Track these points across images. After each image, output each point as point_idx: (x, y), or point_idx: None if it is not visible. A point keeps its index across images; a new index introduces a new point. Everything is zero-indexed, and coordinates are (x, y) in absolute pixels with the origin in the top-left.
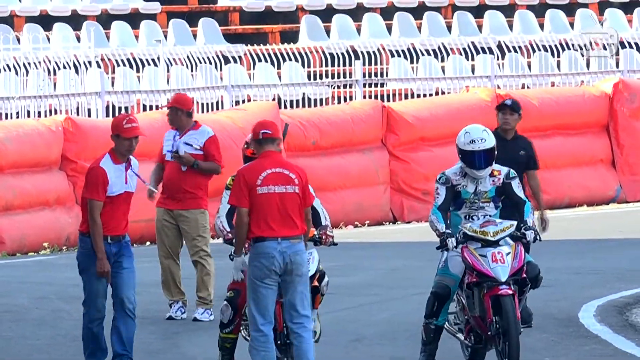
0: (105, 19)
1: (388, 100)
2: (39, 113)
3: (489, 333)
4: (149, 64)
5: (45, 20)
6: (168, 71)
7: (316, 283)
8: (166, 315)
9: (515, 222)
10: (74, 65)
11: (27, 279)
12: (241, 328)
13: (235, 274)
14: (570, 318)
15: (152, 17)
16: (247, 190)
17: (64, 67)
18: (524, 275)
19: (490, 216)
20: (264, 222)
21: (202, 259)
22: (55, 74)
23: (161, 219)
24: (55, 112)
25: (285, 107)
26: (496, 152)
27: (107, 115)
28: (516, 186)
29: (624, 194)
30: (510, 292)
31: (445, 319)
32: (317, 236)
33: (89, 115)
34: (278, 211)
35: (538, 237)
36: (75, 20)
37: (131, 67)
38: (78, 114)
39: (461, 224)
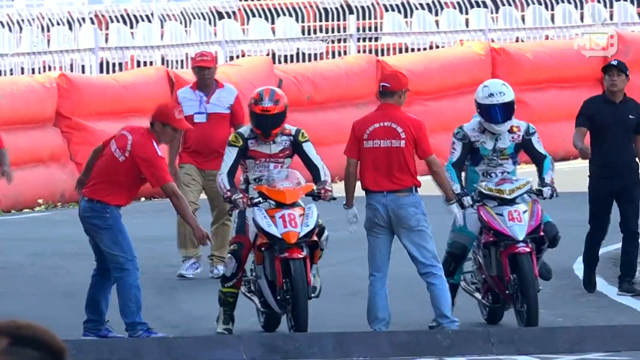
0: None
1: (382, 54)
2: (33, 70)
3: (507, 292)
4: (142, 20)
5: None
6: (162, 27)
7: (315, 238)
8: (177, 273)
9: (531, 179)
10: (68, 21)
11: (22, 235)
12: (242, 284)
13: (348, 226)
14: (565, 270)
15: None
16: (356, 142)
17: (58, 24)
18: (541, 233)
19: (508, 173)
20: (371, 175)
21: (229, 220)
22: (49, 30)
23: (191, 174)
24: (49, 69)
25: (280, 62)
26: (514, 108)
27: (101, 72)
28: (536, 141)
29: None
30: (528, 249)
31: (460, 277)
32: (315, 191)
33: (83, 72)
34: (383, 165)
35: (555, 194)
36: None
37: (125, 23)
38: (72, 71)
39: (476, 183)
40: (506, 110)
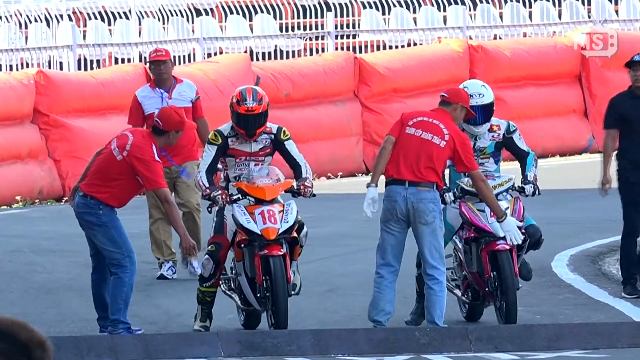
0: None
1: (360, 51)
2: (11, 66)
3: (487, 289)
4: (120, 17)
5: None
6: (140, 24)
7: (295, 234)
8: (157, 275)
9: (513, 176)
10: (46, 18)
11: None
12: (220, 282)
13: (366, 206)
14: (543, 268)
15: None
16: (400, 125)
17: (36, 21)
18: (523, 230)
19: (489, 172)
20: (397, 162)
21: (197, 211)
22: (26, 27)
23: None
24: (27, 66)
25: (257, 59)
26: (494, 109)
27: (79, 69)
28: (518, 139)
29: (596, 144)
30: (508, 247)
31: None
32: (295, 188)
33: (61, 69)
34: (415, 155)
35: (537, 191)
36: None
37: (102, 20)
38: (50, 68)
39: (459, 179)
40: (485, 112)
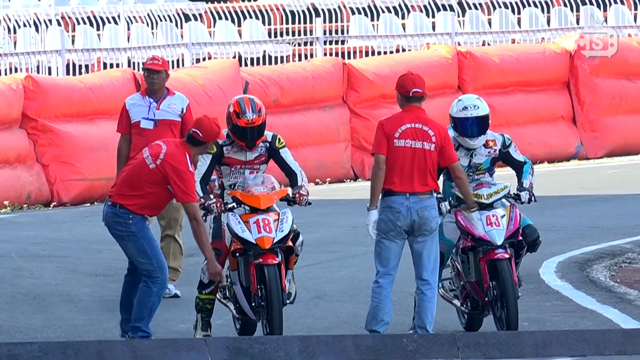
0: None
1: (349, 57)
2: None
3: (486, 299)
4: (109, 22)
5: None
6: (128, 29)
7: (290, 243)
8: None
9: (509, 184)
10: (34, 23)
11: None
12: (219, 292)
13: (370, 228)
14: (531, 274)
15: None
16: (385, 140)
17: (24, 26)
18: (520, 237)
19: (485, 180)
20: (395, 176)
21: (179, 235)
22: (15, 32)
23: None
24: (16, 71)
25: (246, 64)
26: (489, 122)
27: (68, 74)
28: (514, 151)
29: (585, 151)
30: (507, 255)
31: (437, 285)
32: (291, 196)
33: (50, 74)
34: (411, 166)
35: (533, 199)
36: None
37: (91, 25)
38: (38, 72)
39: (454, 188)
40: (480, 124)
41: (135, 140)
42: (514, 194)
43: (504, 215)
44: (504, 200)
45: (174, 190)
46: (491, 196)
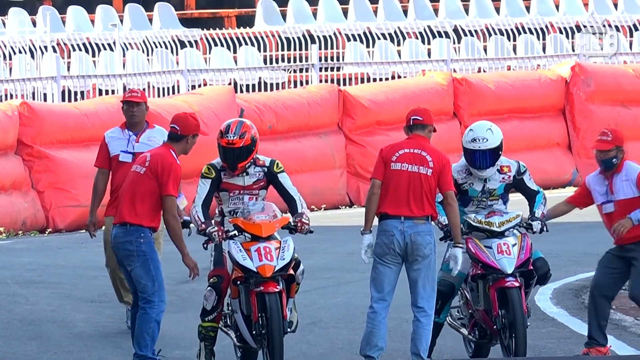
0: (61, 4)
1: (344, 84)
2: None
3: (495, 327)
4: (104, 49)
5: (1, 5)
6: (124, 56)
7: (291, 271)
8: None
9: (521, 212)
10: (30, 49)
11: None
12: (221, 319)
13: (362, 252)
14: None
15: (108, 1)
16: (383, 165)
17: (20, 52)
18: (530, 267)
19: (498, 208)
20: (390, 199)
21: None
22: (10, 58)
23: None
24: (11, 97)
25: (242, 91)
26: (501, 153)
27: (63, 100)
28: (528, 180)
29: (580, 178)
30: (517, 284)
31: (446, 316)
32: (292, 224)
33: (45, 100)
34: (406, 189)
35: (545, 228)
36: (30, 5)
37: (87, 51)
38: (34, 99)
39: (465, 215)
40: (490, 157)
41: (114, 174)
42: (525, 223)
43: (515, 244)
44: (515, 229)
45: (161, 182)
46: (503, 224)
